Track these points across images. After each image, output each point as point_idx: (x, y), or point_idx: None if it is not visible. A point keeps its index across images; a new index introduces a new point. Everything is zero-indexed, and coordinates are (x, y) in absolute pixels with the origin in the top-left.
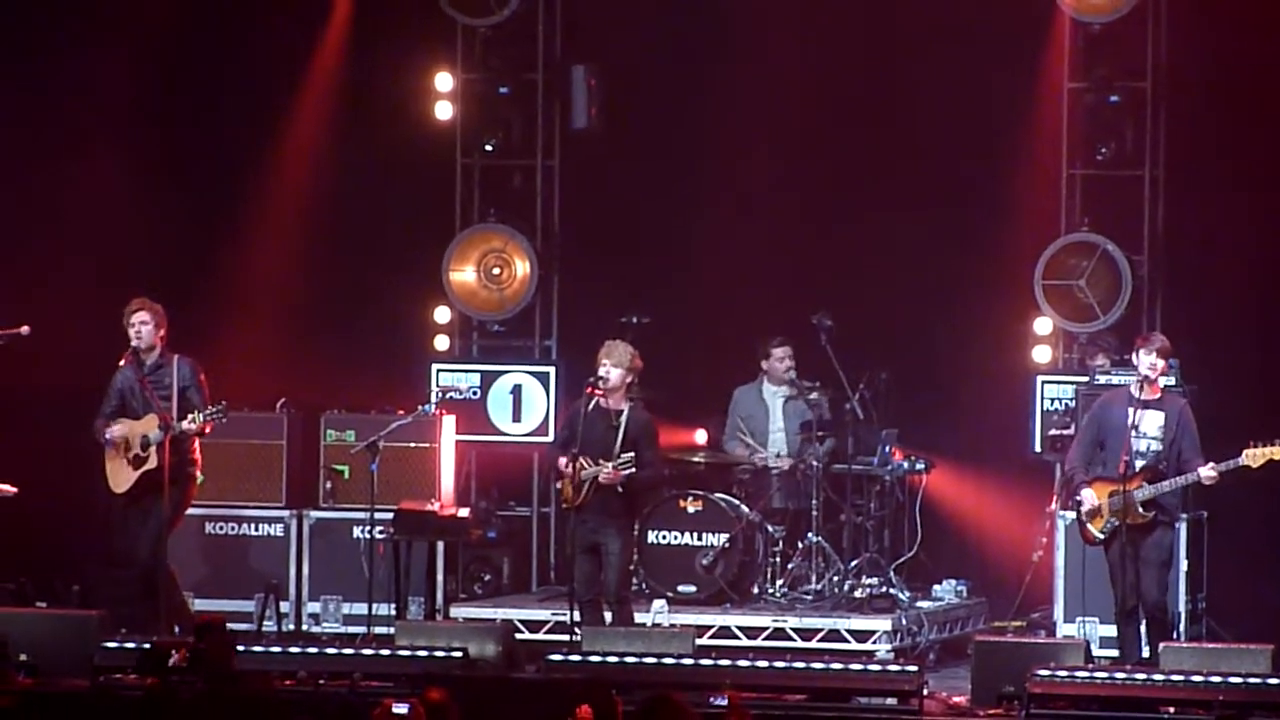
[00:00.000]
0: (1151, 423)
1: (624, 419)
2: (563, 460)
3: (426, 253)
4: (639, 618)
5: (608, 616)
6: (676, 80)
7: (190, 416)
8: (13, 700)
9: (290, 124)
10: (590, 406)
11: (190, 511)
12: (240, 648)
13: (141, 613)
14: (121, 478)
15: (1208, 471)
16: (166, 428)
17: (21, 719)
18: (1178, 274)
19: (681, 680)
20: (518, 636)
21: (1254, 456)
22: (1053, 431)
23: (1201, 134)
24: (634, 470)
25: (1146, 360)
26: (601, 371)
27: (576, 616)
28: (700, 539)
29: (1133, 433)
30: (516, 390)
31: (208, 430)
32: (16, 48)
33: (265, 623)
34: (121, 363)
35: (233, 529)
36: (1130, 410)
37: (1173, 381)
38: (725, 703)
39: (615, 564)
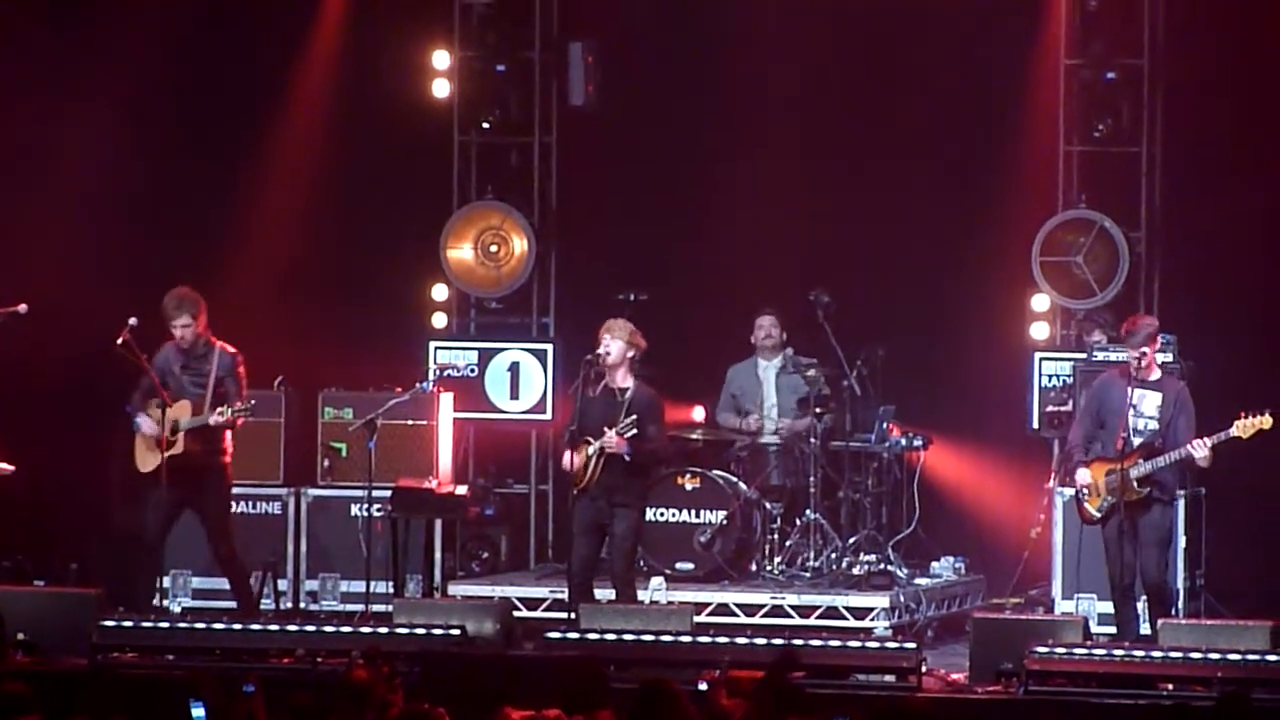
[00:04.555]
0: (1150, 403)
1: (628, 396)
2: (567, 456)
3: (424, 230)
4: (637, 594)
5: (600, 597)
6: (674, 57)
7: (219, 410)
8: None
9: (287, 101)
10: (597, 390)
11: None
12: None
13: (141, 590)
14: (148, 459)
15: (1202, 451)
16: (198, 416)
17: (20, 698)
18: (1175, 250)
19: (680, 658)
20: (516, 614)
21: (1244, 427)
22: (1050, 408)
23: (1198, 110)
24: (636, 433)
25: (1134, 352)
26: (601, 349)
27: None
28: (698, 516)
29: (1131, 411)
30: (514, 367)
31: (238, 424)
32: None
33: (263, 600)
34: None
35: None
36: (1129, 390)
37: (1170, 358)
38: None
39: (621, 547)
